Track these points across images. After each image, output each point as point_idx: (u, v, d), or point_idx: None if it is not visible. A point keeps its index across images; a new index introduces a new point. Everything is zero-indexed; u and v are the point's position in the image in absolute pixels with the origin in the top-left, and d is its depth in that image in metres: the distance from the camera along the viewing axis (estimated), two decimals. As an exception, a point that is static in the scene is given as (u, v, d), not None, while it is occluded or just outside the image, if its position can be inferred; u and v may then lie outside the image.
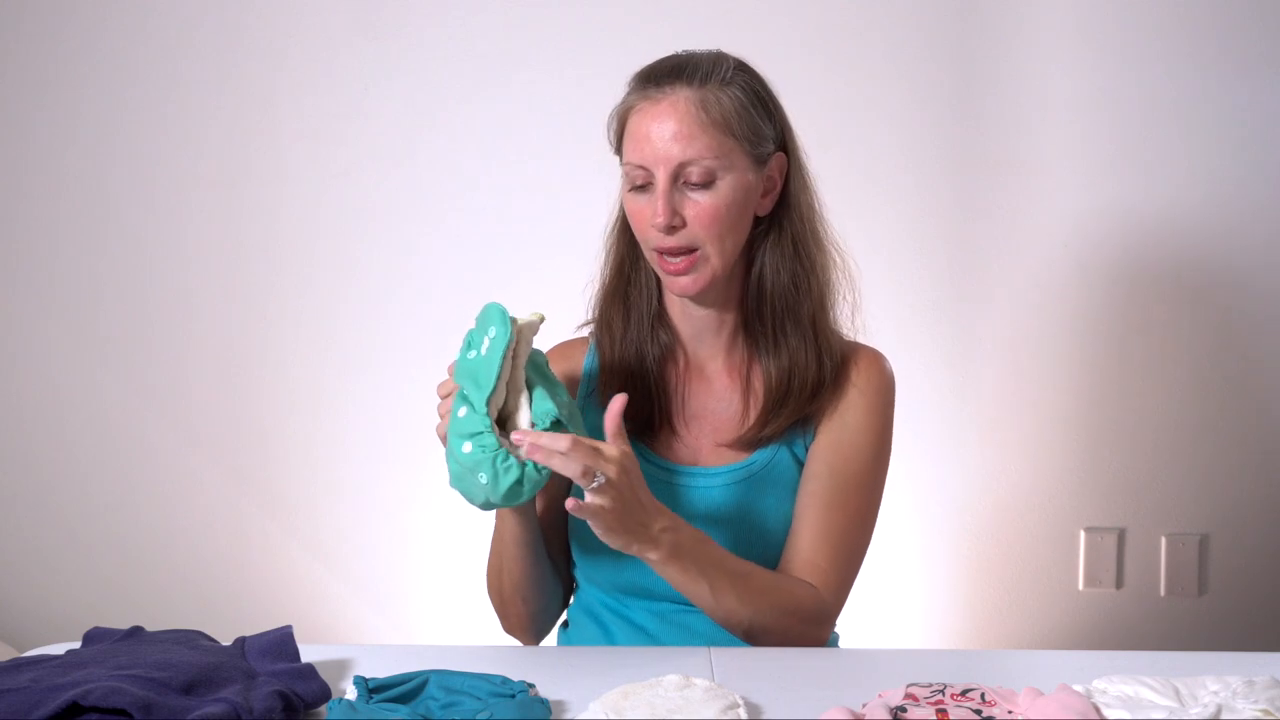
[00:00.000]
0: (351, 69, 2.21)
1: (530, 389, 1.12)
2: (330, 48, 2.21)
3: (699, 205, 1.22)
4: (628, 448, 1.12)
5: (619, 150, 1.28)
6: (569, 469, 1.06)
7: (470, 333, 1.15)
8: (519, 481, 1.10)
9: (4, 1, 2.23)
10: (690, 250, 1.23)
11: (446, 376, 1.18)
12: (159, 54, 2.22)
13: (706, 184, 1.22)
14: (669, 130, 1.21)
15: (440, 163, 2.21)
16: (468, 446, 1.09)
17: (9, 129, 2.26)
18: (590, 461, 1.07)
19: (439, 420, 1.16)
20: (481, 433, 1.09)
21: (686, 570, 1.17)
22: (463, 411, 1.10)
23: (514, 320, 1.11)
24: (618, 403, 1.13)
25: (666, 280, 1.27)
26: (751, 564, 1.23)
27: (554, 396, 1.12)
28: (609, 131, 1.30)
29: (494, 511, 1.25)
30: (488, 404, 1.09)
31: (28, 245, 2.28)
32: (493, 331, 1.10)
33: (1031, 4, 2.15)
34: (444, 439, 1.15)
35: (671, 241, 1.23)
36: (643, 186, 1.24)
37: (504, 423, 1.12)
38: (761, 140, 1.26)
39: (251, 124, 2.23)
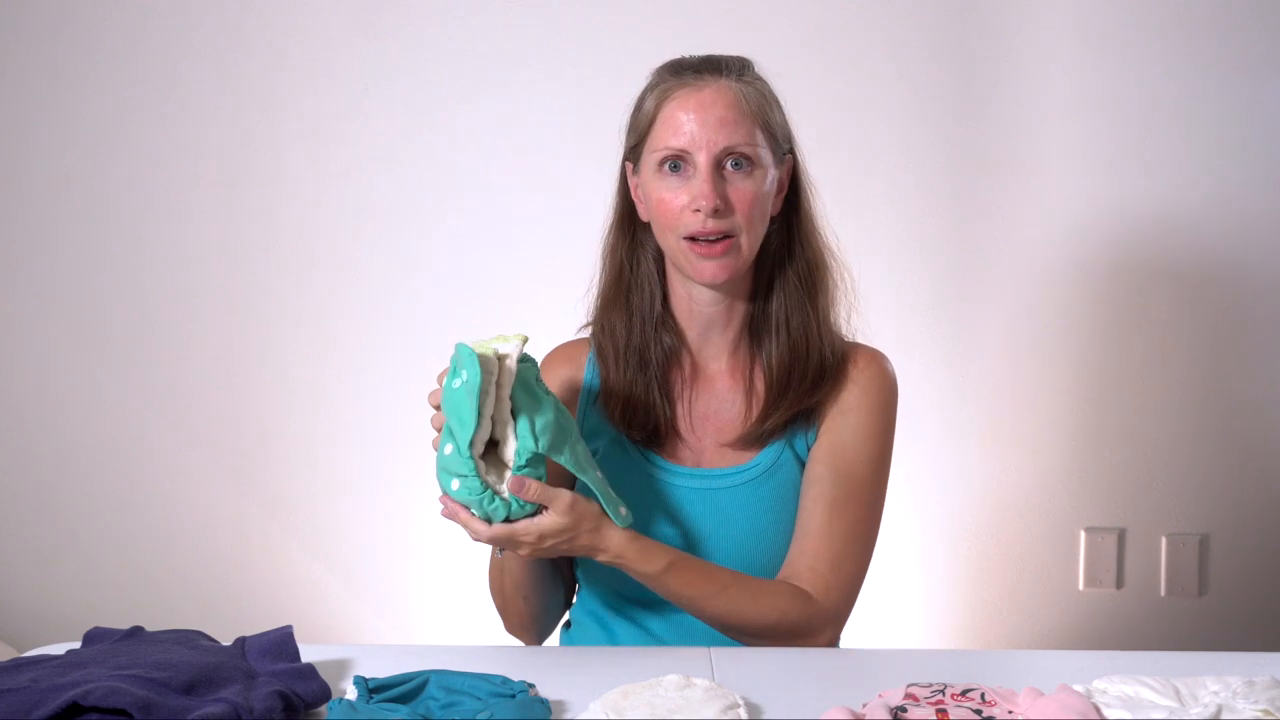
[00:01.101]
0: (351, 69, 2.21)
1: (516, 417, 1.11)
2: (330, 48, 2.21)
3: (741, 190, 1.23)
4: (554, 520, 1.13)
5: (642, 140, 1.28)
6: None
7: (454, 358, 1.12)
8: (507, 519, 1.12)
9: (4, 2, 2.23)
10: (728, 236, 1.24)
11: (436, 391, 1.15)
12: (159, 54, 2.22)
13: (746, 171, 1.24)
14: (715, 115, 1.22)
15: (440, 163, 2.21)
16: (455, 484, 1.10)
17: (9, 129, 2.26)
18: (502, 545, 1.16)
19: (435, 435, 1.15)
20: (466, 476, 1.09)
21: (650, 588, 1.22)
22: (448, 449, 1.10)
23: (495, 353, 1.09)
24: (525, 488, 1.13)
25: (694, 266, 1.25)
26: (724, 581, 1.23)
27: (535, 426, 1.10)
28: (632, 119, 1.30)
29: None
30: (470, 445, 1.08)
31: (28, 245, 2.28)
32: (464, 375, 1.08)
33: (1031, 4, 2.15)
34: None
35: (713, 225, 1.22)
36: (676, 171, 1.24)
37: (496, 445, 1.12)
38: (783, 139, 1.29)
39: (251, 124, 2.23)
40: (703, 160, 1.22)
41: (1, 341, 2.30)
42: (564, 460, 1.13)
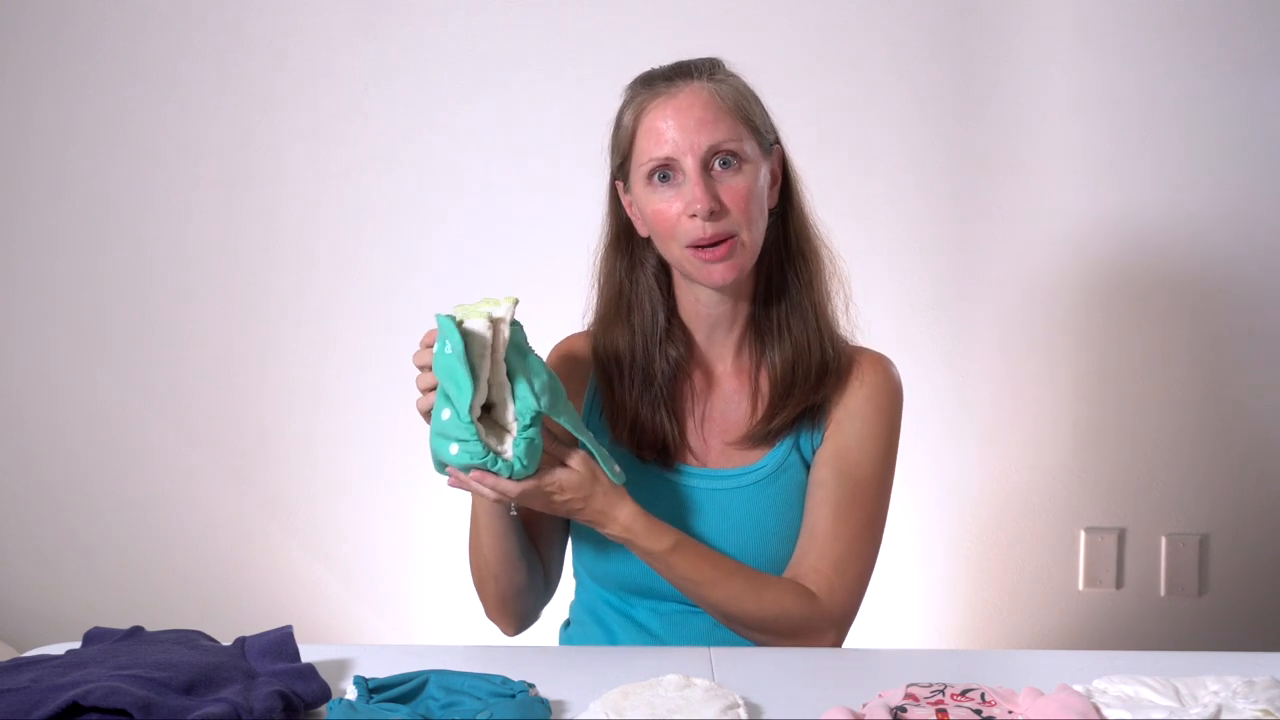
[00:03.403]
0: (351, 69, 2.21)
1: (513, 380, 1.12)
2: (330, 48, 2.21)
3: (733, 188, 1.23)
4: (572, 473, 1.17)
5: (627, 156, 1.28)
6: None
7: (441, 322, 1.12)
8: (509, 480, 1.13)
9: (4, 2, 2.23)
10: (729, 236, 1.23)
11: (420, 352, 1.15)
12: (159, 54, 2.23)
13: (735, 168, 1.23)
14: (693, 118, 1.22)
15: (440, 163, 2.21)
16: (454, 448, 1.10)
17: (9, 129, 2.26)
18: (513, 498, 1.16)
19: (420, 396, 1.15)
20: (467, 440, 1.09)
21: (654, 568, 1.23)
22: (446, 414, 1.10)
23: (489, 316, 1.10)
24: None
25: (702, 272, 1.25)
26: (728, 569, 1.23)
27: (533, 386, 1.12)
28: (613, 138, 1.30)
29: None
30: (470, 409, 1.08)
31: (28, 245, 2.28)
32: (448, 345, 1.09)
33: (1031, 4, 2.15)
34: (425, 415, 1.16)
35: (711, 229, 1.22)
36: (666, 181, 1.24)
37: (490, 409, 1.12)
38: (766, 130, 1.29)
39: (251, 124, 2.23)
40: (690, 164, 1.22)
41: (1, 341, 2.30)
42: (562, 420, 1.14)
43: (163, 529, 2.31)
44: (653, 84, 1.26)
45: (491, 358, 1.10)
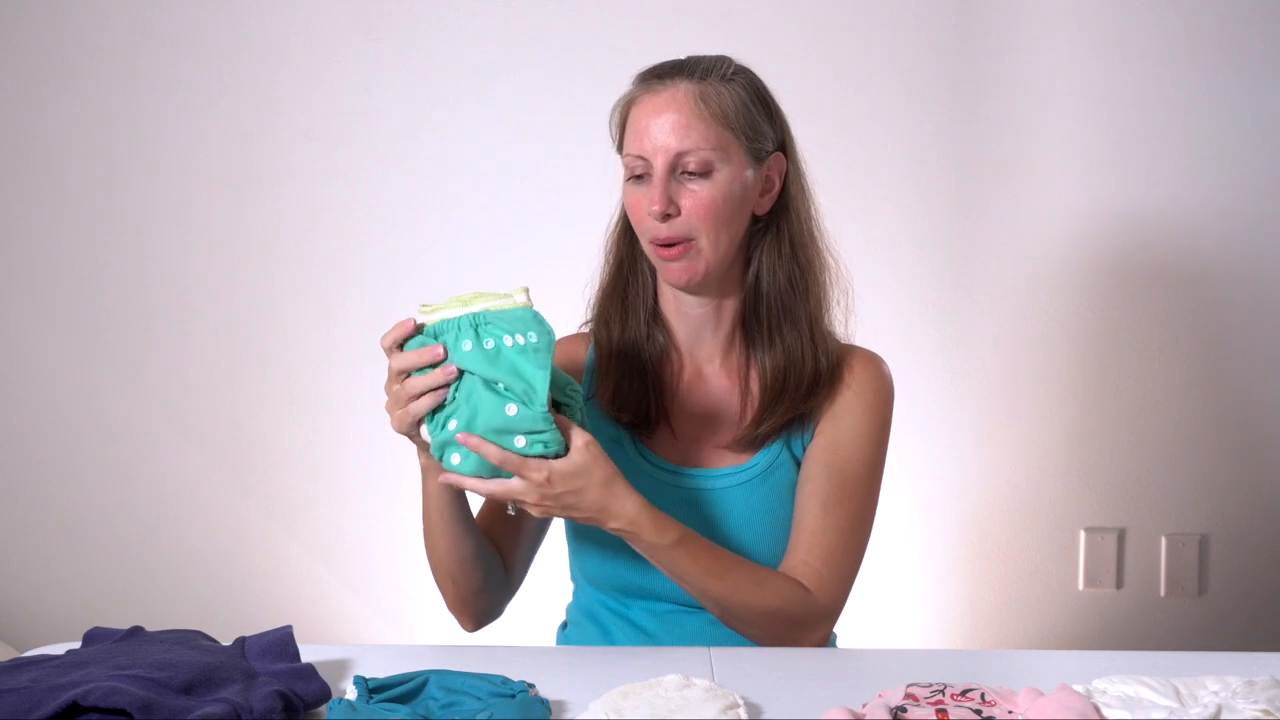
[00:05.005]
0: (351, 69, 2.21)
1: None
2: (330, 48, 2.21)
3: (695, 195, 1.23)
4: (568, 461, 1.11)
5: (619, 146, 1.30)
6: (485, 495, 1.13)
7: (462, 320, 1.10)
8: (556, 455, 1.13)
9: (4, 2, 2.23)
10: (685, 240, 1.24)
11: (400, 355, 1.11)
12: (159, 54, 2.23)
13: (703, 174, 1.24)
14: (668, 121, 1.23)
15: (440, 163, 2.21)
16: (521, 441, 1.09)
17: (10, 129, 2.26)
18: (506, 497, 1.12)
19: (405, 411, 1.11)
20: (543, 431, 1.08)
21: (656, 563, 1.20)
22: (512, 410, 1.08)
23: (518, 301, 1.11)
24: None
25: (661, 268, 1.28)
26: (730, 562, 1.22)
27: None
28: (611, 127, 1.32)
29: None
30: (546, 400, 1.08)
31: (28, 245, 2.28)
32: (534, 337, 1.08)
33: (1031, 4, 2.15)
34: (405, 431, 1.14)
35: (665, 231, 1.24)
36: (641, 177, 1.26)
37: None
38: (760, 138, 1.27)
39: (252, 124, 2.23)
40: (658, 165, 1.23)
41: (2, 341, 2.30)
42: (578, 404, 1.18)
43: (163, 529, 2.31)
44: (646, 80, 1.27)
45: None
